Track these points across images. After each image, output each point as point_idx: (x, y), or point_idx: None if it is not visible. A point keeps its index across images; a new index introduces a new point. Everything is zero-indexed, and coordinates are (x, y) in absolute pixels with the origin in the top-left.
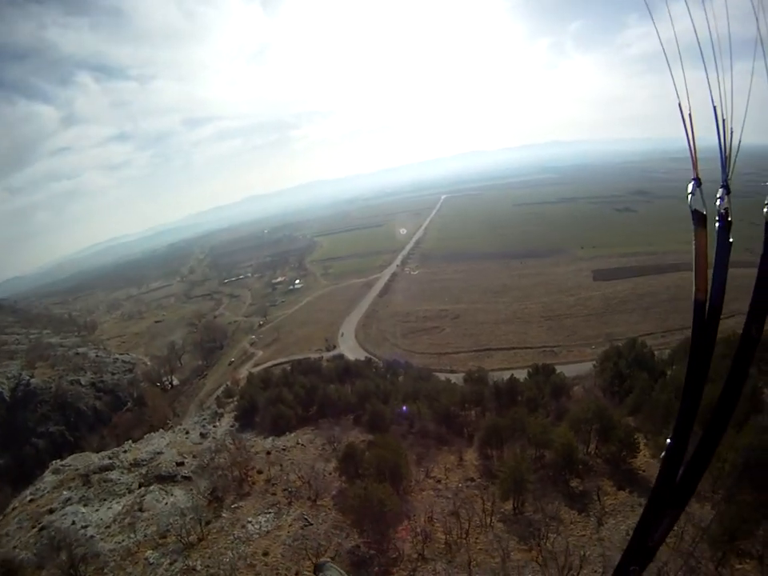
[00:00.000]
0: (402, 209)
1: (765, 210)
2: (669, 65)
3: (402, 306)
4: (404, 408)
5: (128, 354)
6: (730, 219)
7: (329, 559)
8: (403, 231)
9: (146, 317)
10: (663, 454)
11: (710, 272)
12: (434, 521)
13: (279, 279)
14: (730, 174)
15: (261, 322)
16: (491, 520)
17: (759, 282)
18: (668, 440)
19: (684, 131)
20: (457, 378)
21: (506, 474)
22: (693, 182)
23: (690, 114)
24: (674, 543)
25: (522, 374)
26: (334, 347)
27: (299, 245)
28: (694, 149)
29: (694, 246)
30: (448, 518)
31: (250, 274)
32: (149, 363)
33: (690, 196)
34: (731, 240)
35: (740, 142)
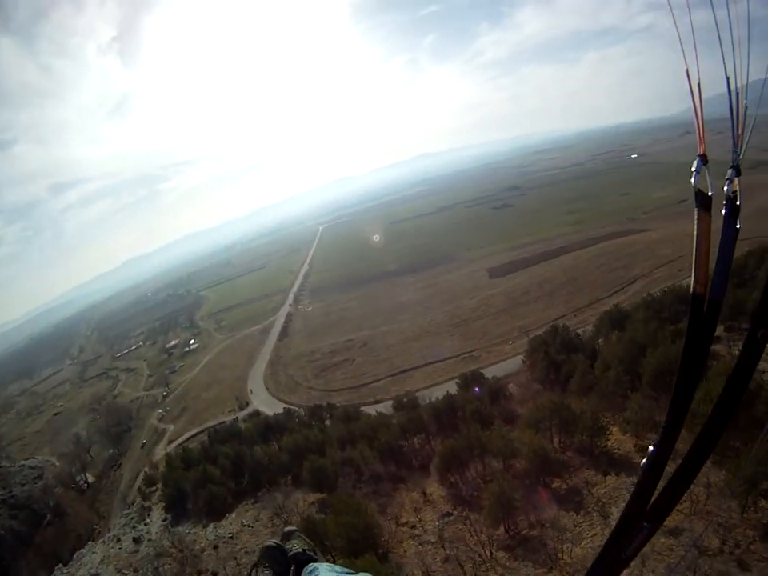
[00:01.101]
0: (281, 247)
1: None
2: (677, 28)
3: (305, 346)
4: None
5: (33, 457)
6: (738, 204)
7: (295, 527)
8: (289, 268)
9: (44, 410)
10: (643, 461)
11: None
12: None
13: (173, 343)
14: (741, 153)
15: (164, 393)
16: (491, 553)
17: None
18: (650, 447)
19: (692, 102)
20: (385, 408)
21: (492, 501)
22: (698, 160)
23: (698, 84)
24: (689, 508)
25: (449, 388)
26: (247, 404)
27: (186, 302)
28: (701, 122)
29: (695, 232)
30: (445, 566)
31: (142, 343)
32: (57, 464)
33: (693, 174)
34: (738, 227)
35: (755, 118)
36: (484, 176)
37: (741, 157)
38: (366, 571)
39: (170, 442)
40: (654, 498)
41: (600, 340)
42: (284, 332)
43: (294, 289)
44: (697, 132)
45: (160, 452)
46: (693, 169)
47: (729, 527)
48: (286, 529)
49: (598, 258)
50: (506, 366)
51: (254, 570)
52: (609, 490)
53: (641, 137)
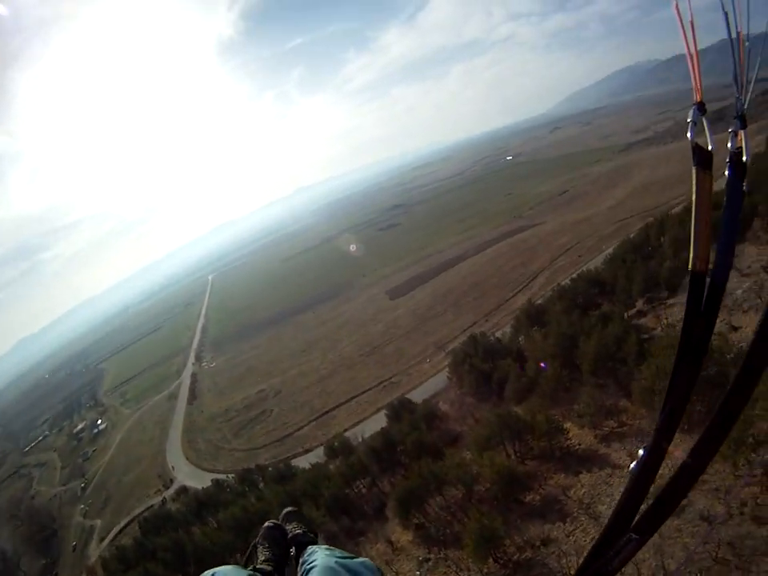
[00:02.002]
0: (174, 303)
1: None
2: None
3: (217, 405)
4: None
5: None
6: (745, 161)
7: (295, 508)
8: (186, 324)
9: None
10: (632, 466)
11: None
12: None
13: (80, 426)
14: (746, 100)
15: (83, 485)
16: None
17: None
18: (641, 450)
19: (684, 42)
20: (317, 456)
21: (476, 538)
22: (694, 109)
23: (692, 23)
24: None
25: (379, 420)
26: (171, 481)
27: (86, 378)
28: (697, 65)
29: (693, 196)
30: None
31: (48, 432)
32: None
33: (690, 125)
34: (745, 189)
35: (758, 62)
36: (367, 199)
37: (746, 105)
38: None
39: (101, 539)
40: (644, 508)
41: (521, 339)
42: (192, 394)
43: (194, 345)
44: (692, 77)
45: (93, 553)
46: (689, 119)
47: (727, 490)
48: (286, 510)
49: (495, 260)
50: (430, 385)
51: (253, 550)
52: (587, 489)
53: (514, 138)
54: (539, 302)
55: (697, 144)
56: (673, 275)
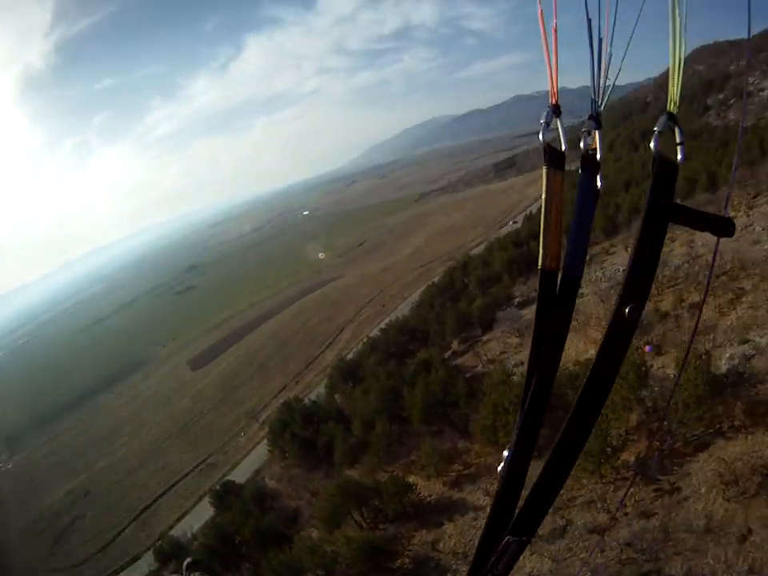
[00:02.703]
0: None
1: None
2: None
3: (23, 516)
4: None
5: None
6: (598, 161)
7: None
8: None
9: None
10: (500, 468)
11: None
12: None
13: None
14: (602, 102)
15: None
16: None
17: (638, 249)
18: (505, 451)
19: (544, 46)
20: (148, 563)
21: None
22: (548, 111)
23: (555, 29)
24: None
25: (204, 510)
26: None
27: None
28: (555, 68)
29: (543, 195)
30: None
31: None
32: None
33: (542, 126)
34: (599, 187)
35: (622, 62)
36: (164, 258)
37: (602, 106)
38: None
39: None
40: (518, 509)
41: (337, 398)
42: None
43: None
44: (549, 81)
45: None
46: (542, 120)
47: (601, 498)
48: (188, 560)
49: (299, 317)
50: (250, 461)
51: None
52: (456, 537)
53: (311, 193)
54: (350, 356)
55: (548, 144)
56: (484, 313)
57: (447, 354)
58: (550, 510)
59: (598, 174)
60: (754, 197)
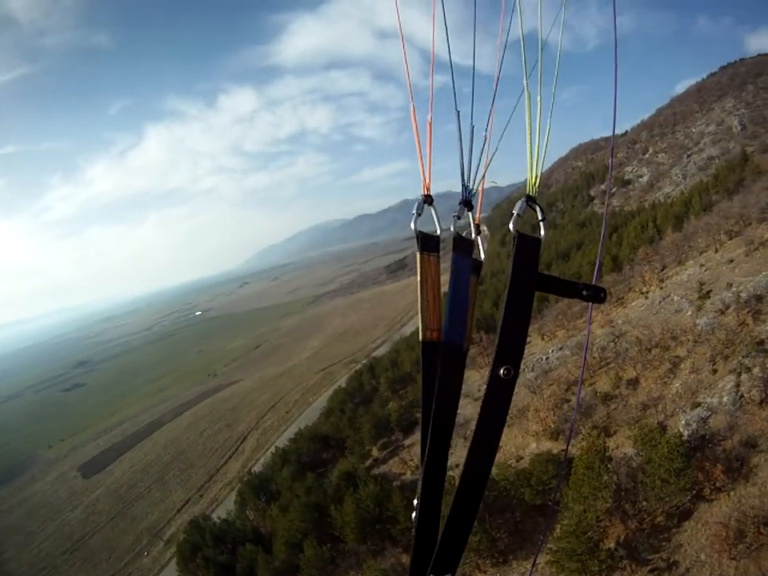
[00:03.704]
0: None
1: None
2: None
3: None
4: None
5: None
6: (471, 239)
7: None
8: None
9: None
10: (413, 515)
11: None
12: None
13: None
14: (474, 187)
15: None
16: None
17: (506, 317)
18: (414, 500)
19: (416, 140)
20: None
21: None
22: (419, 201)
23: (430, 122)
24: None
25: None
26: None
27: None
28: (429, 162)
29: (419, 277)
30: None
31: None
32: None
33: (414, 216)
34: (480, 259)
35: (496, 149)
36: (52, 351)
37: (473, 192)
38: None
39: None
40: (435, 551)
41: (250, 513)
42: None
43: None
44: (421, 173)
45: None
46: (413, 211)
47: None
48: None
49: (196, 424)
50: None
51: None
52: None
53: (203, 293)
54: (259, 468)
55: (420, 231)
56: (401, 416)
57: (368, 462)
58: None
59: (471, 252)
60: (662, 270)
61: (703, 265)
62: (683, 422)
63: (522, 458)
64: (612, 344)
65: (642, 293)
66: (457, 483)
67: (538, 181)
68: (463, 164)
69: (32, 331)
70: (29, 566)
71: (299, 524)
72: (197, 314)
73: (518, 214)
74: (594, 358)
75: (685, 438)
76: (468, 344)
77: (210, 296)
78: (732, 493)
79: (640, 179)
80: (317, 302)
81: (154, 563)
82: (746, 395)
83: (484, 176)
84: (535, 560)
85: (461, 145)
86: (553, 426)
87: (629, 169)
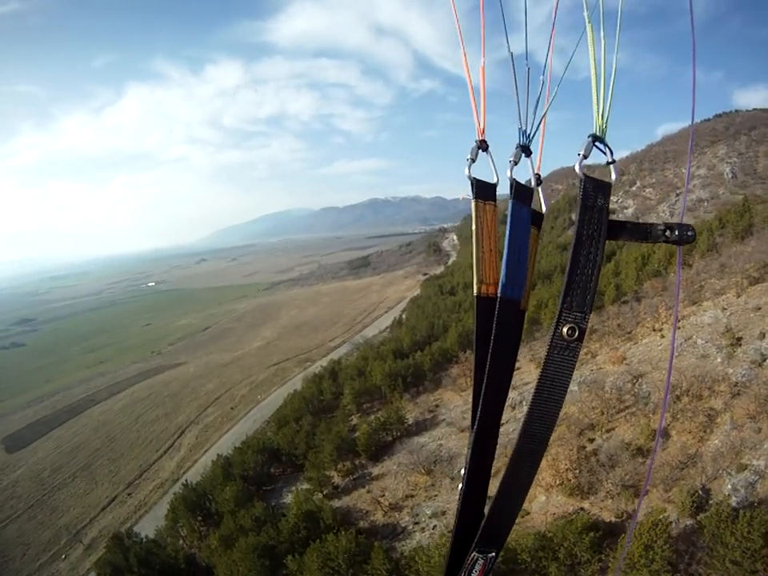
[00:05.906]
0: None
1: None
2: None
3: None
4: None
5: None
6: (531, 187)
7: None
8: None
9: None
10: (460, 486)
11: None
12: None
13: None
14: (532, 132)
15: None
16: None
17: (576, 253)
18: (462, 470)
19: (468, 84)
20: None
21: None
22: (475, 146)
23: (482, 67)
24: None
25: None
26: None
27: None
28: (483, 105)
29: (474, 228)
30: None
31: None
32: None
33: (468, 161)
34: (541, 211)
35: (558, 86)
36: None
37: (531, 136)
38: None
39: None
40: (483, 524)
41: (183, 532)
42: None
43: None
44: (475, 117)
45: None
46: (468, 157)
47: None
48: None
49: (132, 408)
50: None
51: None
52: None
53: (159, 264)
54: (197, 477)
55: (475, 178)
56: (369, 438)
57: (327, 490)
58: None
59: (530, 200)
60: (670, 308)
61: (726, 309)
62: (729, 486)
63: (528, 513)
64: (629, 385)
65: (656, 329)
66: (509, 456)
67: (606, 121)
68: (519, 102)
69: None
70: None
71: (245, 572)
72: (149, 284)
73: (584, 156)
74: (608, 397)
75: (733, 505)
76: (527, 302)
77: (165, 268)
78: None
79: (625, 210)
80: (273, 288)
81: (71, 571)
82: None
83: (544, 115)
84: None
85: (515, 81)
86: (572, 480)
87: (614, 198)
